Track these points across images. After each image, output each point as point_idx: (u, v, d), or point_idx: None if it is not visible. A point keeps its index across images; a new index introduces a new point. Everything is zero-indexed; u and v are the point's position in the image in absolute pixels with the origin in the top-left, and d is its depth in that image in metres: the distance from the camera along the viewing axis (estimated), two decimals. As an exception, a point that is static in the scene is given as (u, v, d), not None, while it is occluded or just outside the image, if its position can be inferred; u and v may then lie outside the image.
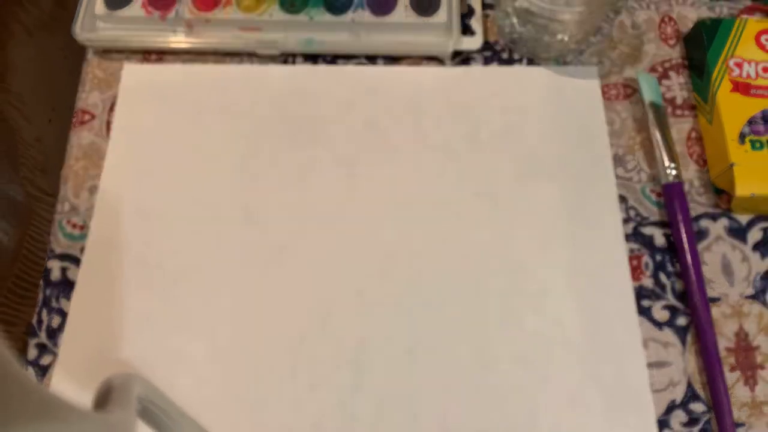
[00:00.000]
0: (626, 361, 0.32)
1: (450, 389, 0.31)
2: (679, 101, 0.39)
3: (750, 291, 0.34)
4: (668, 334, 0.33)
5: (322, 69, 0.39)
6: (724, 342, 0.33)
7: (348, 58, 0.40)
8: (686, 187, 0.36)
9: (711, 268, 0.34)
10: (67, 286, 0.34)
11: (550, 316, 0.33)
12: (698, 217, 0.35)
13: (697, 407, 0.31)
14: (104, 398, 0.24)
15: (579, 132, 0.37)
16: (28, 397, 0.16)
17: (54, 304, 0.33)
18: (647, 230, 0.35)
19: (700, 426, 0.31)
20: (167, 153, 0.37)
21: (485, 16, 0.41)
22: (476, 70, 0.39)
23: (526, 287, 0.33)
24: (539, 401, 0.31)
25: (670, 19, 0.41)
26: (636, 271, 0.34)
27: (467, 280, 0.33)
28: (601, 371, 0.31)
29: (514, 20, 0.37)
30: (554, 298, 0.33)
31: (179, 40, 0.38)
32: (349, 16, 0.38)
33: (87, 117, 0.38)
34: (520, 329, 0.32)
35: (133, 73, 0.39)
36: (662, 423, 0.31)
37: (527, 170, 0.36)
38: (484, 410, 0.31)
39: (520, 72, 0.39)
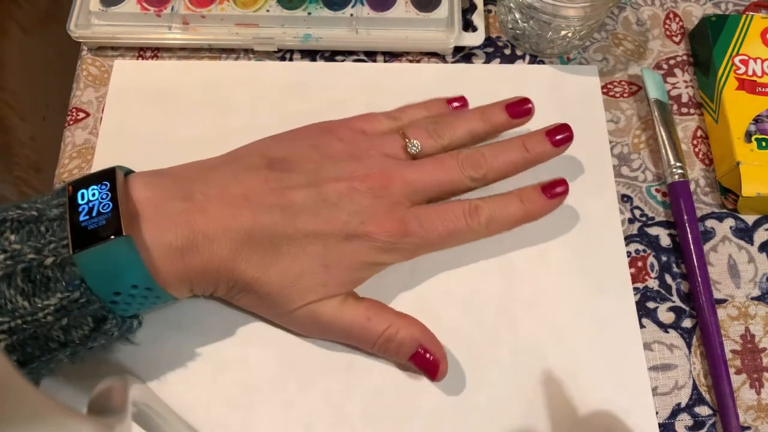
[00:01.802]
0: (626, 364, 0.31)
1: (445, 392, 0.30)
2: (684, 99, 0.38)
3: (756, 292, 0.33)
4: (673, 336, 0.32)
5: (320, 65, 0.38)
6: (730, 344, 0.32)
7: (346, 54, 0.39)
8: (692, 186, 0.35)
9: (717, 269, 0.34)
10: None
11: (547, 319, 0.32)
12: (704, 217, 0.35)
13: (703, 410, 0.31)
14: (100, 402, 0.24)
15: (578, 131, 0.36)
16: (23, 399, 0.16)
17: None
18: (652, 230, 0.35)
19: (705, 429, 0.30)
20: (160, 152, 0.36)
21: (487, 12, 0.40)
22: (475, 68, 0.38)
23: (523, 289, 0.33)
24: (536, 404, 0.30)
25: (675, 15, 0.40)
26: (641, 272, 0.33)
27: (462, 280, 0.33)
28: (600, 375, 0.31)
29: (517, 15, 0.37)
30: (551, 301, 0.32)
31: (175, 37, 0.38)
32: (348, 11, 0.37)
33: (81, 115, 0.37)
34: (515, 333, 0.32)
35: (124, 70, 0.38)
36: (667, 426, 0.30)
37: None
38: (478, 415, 0.30)
39: (519, 70, 0.38)
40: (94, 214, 0.25)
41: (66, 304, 0.24)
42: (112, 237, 0.24)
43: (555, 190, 0.31)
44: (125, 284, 0.25)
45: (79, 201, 0.25)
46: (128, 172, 0.28)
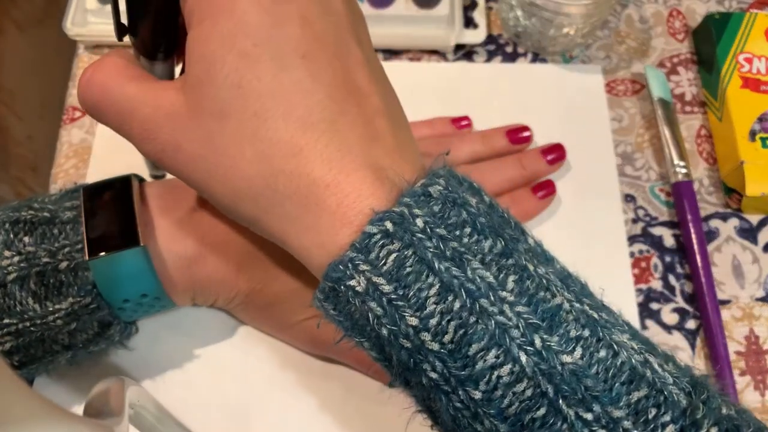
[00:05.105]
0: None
1: None
2: (688, 97, 0.38)
3: (761, 293, 0.33)
4: (677, 338, 0.32)
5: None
6: (734, 346, 0.32)
7: (347, 52, 0.38)
8: (696, 186, 0.35)
9: (721, 270, 0.33)
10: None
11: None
12: (708, 217, 0.34)
13: (707, 413, 0.30)
14: (97, 404, 0.23)
15: (581, 130, 0.36)
16: (20, 401, 0.15)
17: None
18: (656, 231, 0.34)
19: None
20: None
21: (489, 9, 0.40)
22: (477, 67, 0.38)
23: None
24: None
25: (679, 12, 0.40)
26: (645, 273, 0.33)
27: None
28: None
29: (519, 13, 0.36)
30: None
31: (173, 35, 0.37)
32: (348, 9, 0.37)
33: (78, 114, 0.37)
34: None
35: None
36: (671, 429, 0.30)
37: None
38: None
39: (522, 69, 0.38)
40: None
41: (77, 309, 0.24)
42: (129, 246, 0.25)
43: (544, 190, 0.33)
44: (135, 292, 0.26)
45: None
46: (140, 180, 0.29)
